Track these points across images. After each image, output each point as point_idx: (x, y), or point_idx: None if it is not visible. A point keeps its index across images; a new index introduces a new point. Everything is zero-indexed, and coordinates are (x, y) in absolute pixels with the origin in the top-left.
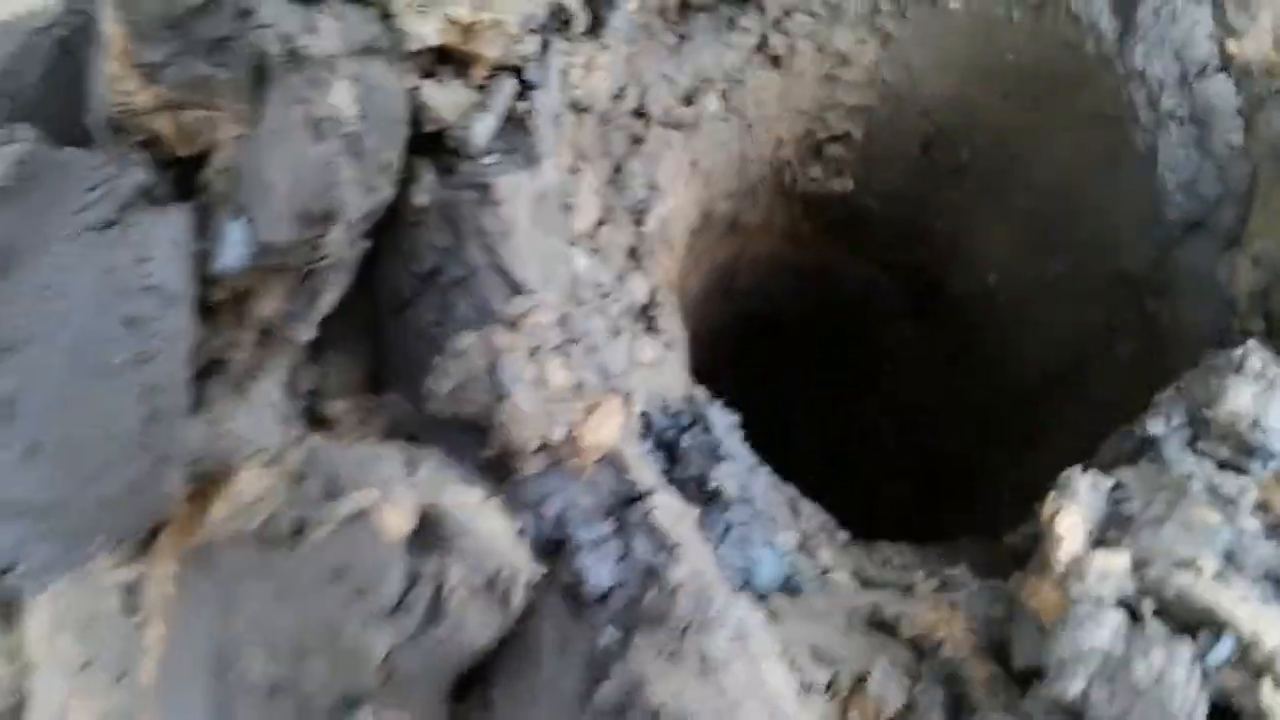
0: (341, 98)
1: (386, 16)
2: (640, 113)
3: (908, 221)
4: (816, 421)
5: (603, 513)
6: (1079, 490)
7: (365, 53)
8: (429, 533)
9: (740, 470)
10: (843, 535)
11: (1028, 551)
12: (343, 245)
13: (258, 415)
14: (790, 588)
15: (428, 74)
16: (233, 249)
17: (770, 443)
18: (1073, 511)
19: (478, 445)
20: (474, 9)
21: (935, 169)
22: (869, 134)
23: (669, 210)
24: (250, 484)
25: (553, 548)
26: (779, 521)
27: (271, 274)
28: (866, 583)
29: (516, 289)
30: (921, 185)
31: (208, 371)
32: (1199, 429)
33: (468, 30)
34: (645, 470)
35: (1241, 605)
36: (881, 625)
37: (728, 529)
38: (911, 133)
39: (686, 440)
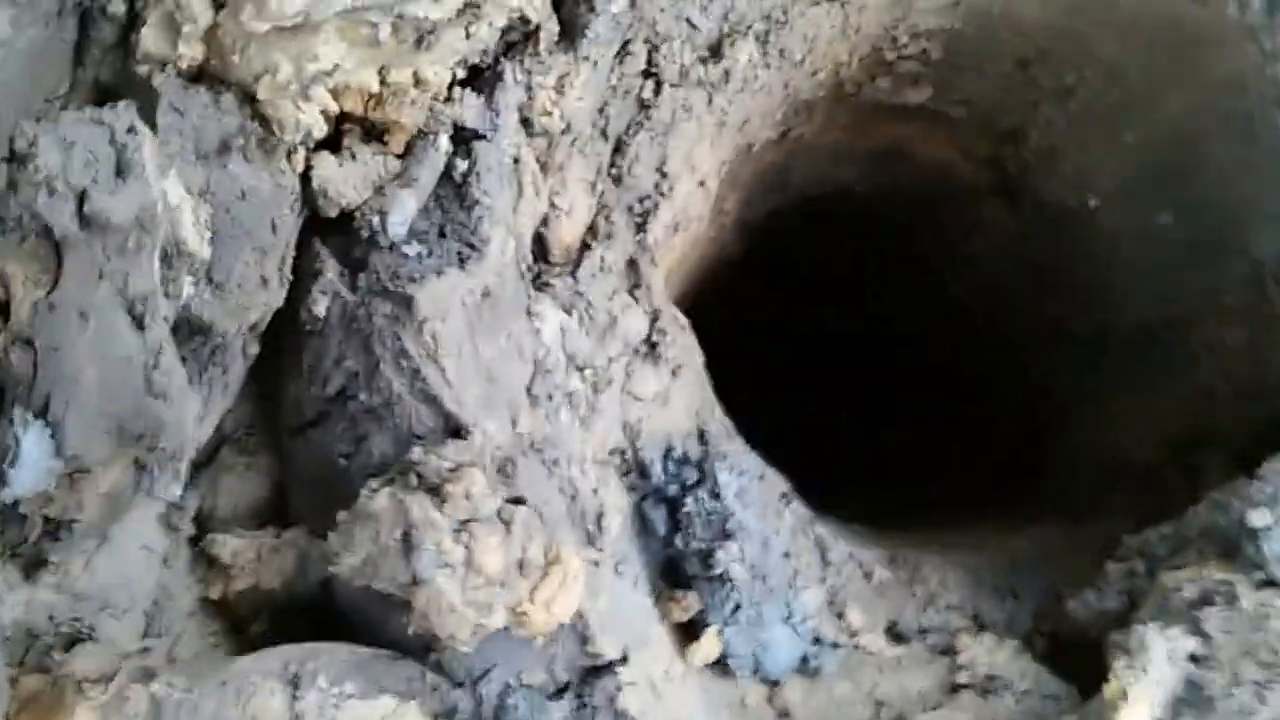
0: (185, 230)
1: (251, 101)
2: (649, 73)
3: (997, 123)
4: (877, 309)
5: (558, 690)
6: (1153, 659)
7: (222, 152)
8: None
9: (754, 540)
10: (881, 573)
11: (1085, 631)
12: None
13: (123, 564)
14: (809, 670)
15: (328, 143)
16: (29, 469)
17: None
18: (1142, 691)
19: (399, 614)
20: (388, 69)
21: (1034, 85)
22: (950, 50)
23: (683, 199)
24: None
25: None
26: (803, 576)
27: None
28: (900, 639)
29: (447, 424)
30: (1017, 98)
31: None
32: None
33: (377, 96)
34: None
35: None
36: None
37: (735, 609)
38: (1005, 52)
39: (690, 503)
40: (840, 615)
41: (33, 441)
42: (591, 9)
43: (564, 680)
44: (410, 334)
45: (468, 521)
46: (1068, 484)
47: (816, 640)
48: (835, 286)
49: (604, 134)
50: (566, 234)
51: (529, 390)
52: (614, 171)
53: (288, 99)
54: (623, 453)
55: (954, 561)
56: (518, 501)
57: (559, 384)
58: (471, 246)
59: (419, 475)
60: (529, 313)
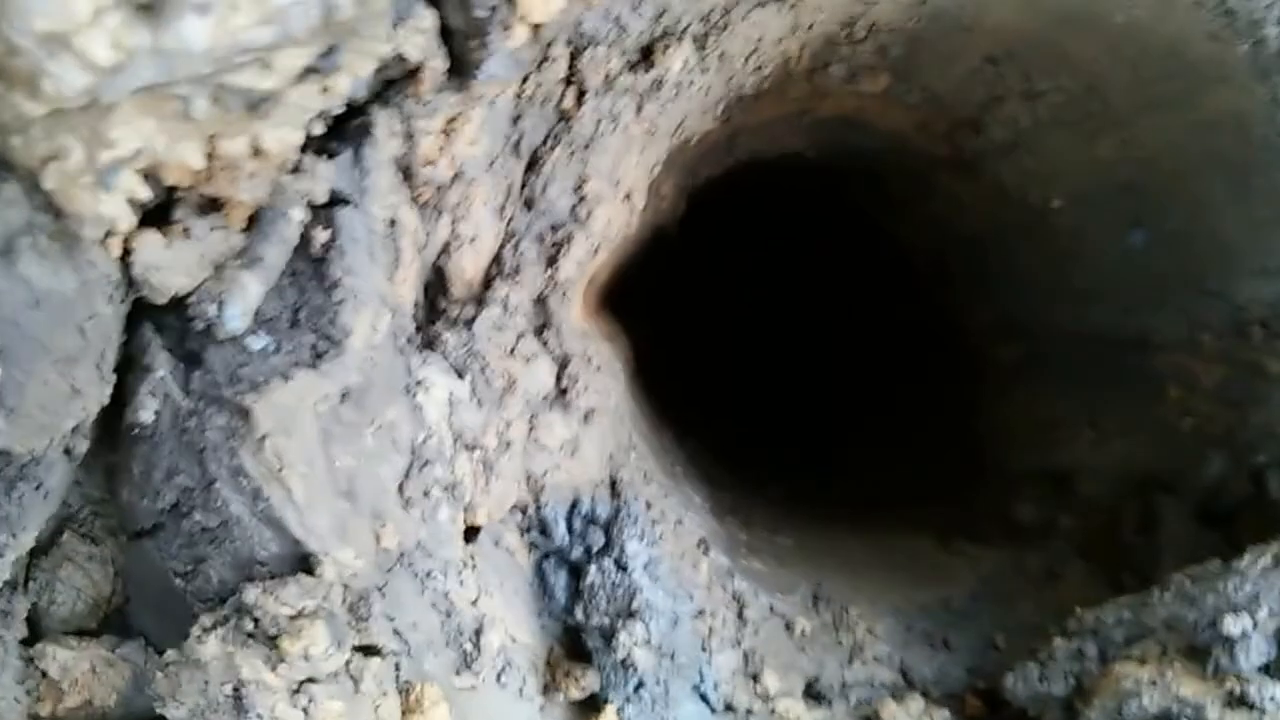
0: None
1: (40, 190)
2: (570, 80)
3: (956, 111)
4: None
5: None
6: None
7: (6, 253)
8: None
9: (662, 618)
10: (803, 623)
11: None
12: None
13: None
14: None
15: (157, 214)
16: None
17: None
18: None
19: None
20: (217, 139)
21: (1000, 83)
22: (911, 47)
23: (603, 223)
24: None
25: None
26: (717, 638)
27: None
28: (819, 699)
29: (294, 551)
30: (979, 92)
31: None
32: None
33: (207, 170)
34: None
35: None
36: None
37: (639, 687)
38: (972, 49)
39: (594, 573)
40: (755, 678)
41: None
42: (484, 45)
43: None
44: (249, 450)
45: (306, 682)
46: (1008, 496)
47: (729, 708)
48: (780, 249)
49: (517, 149)
50: (469, 266)
51: (401, 490)
52: (526, 192)
53: (82, 189)
54: (524, 509)
55: (885, 603)
56: (370, 651)
57: (439, 477)
58: (329, 339)
59: (255, 621)
60: (410, 389)
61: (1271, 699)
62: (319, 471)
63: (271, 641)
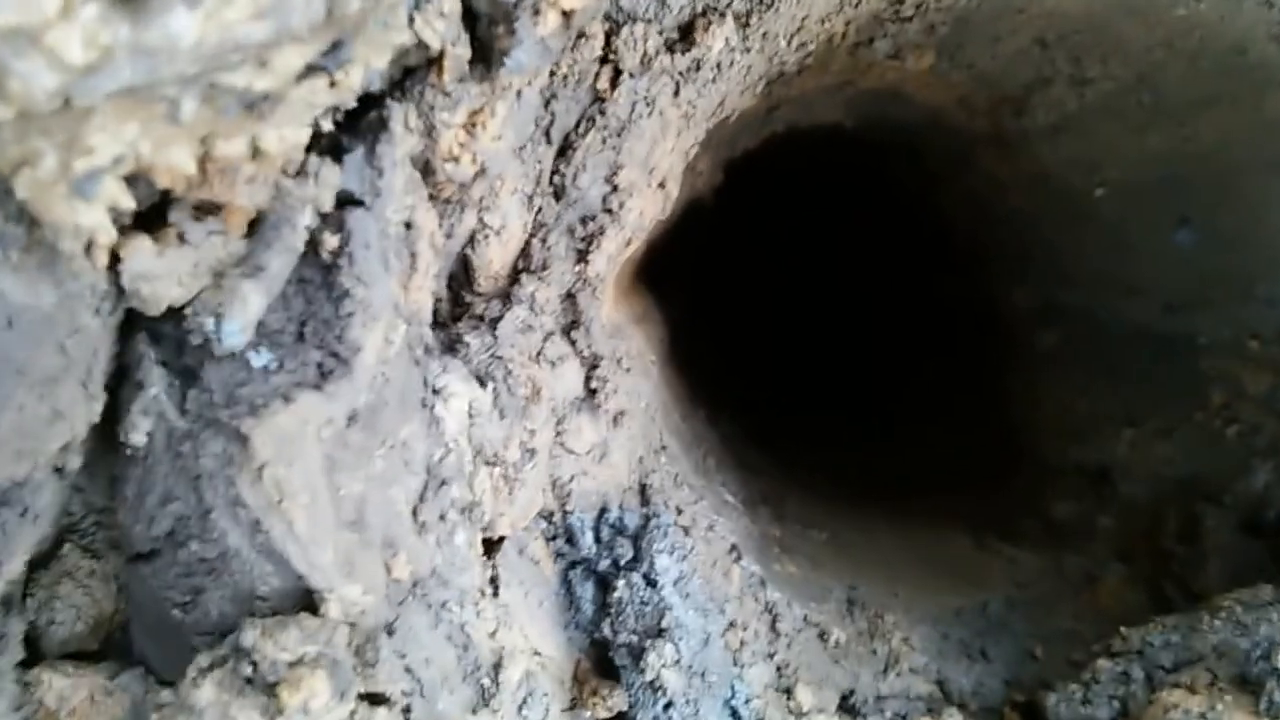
0: None
1: (9, 197)
2: (606, 59)
3: (998, 89)
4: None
5: None
6: None
7: None
8: None
9: (692, 638)
10: (837, 633)
11: None
12: None
13: None
14: None
15: (149, 217)
16: None
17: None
18: None
19: None
20: (211, 141)
21: (1049, 65)
22: (961, 25)
23: (636, 215)
24: None
25: None
26: (749, 650)
27: None
28: (854, 713)
29: (296, 586)
30: (1026, 73)
31: None
32: None
33: (201, 174)
34: None
35: None
36: None
37: (668, 707)
38: (1023, 29)
39: (623, 588)
40: (789, 692)
41: None
42: (512, 31)
43: None
44: (247, 479)
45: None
46: (1045, 491)
47: None
48: (817, 221)
49: (548, 134)
50: (496, 258)
51: (415, 514)
52: (556, 180)
53: (58, 198)
54: (550, 516)
55: (920, 609)
56: (377, 700)
57: (456, 498)
58: (336, 357)
59: (253, 664)
60: (426, 402)
61: None
62: (323, 502)
63: (270, 690)
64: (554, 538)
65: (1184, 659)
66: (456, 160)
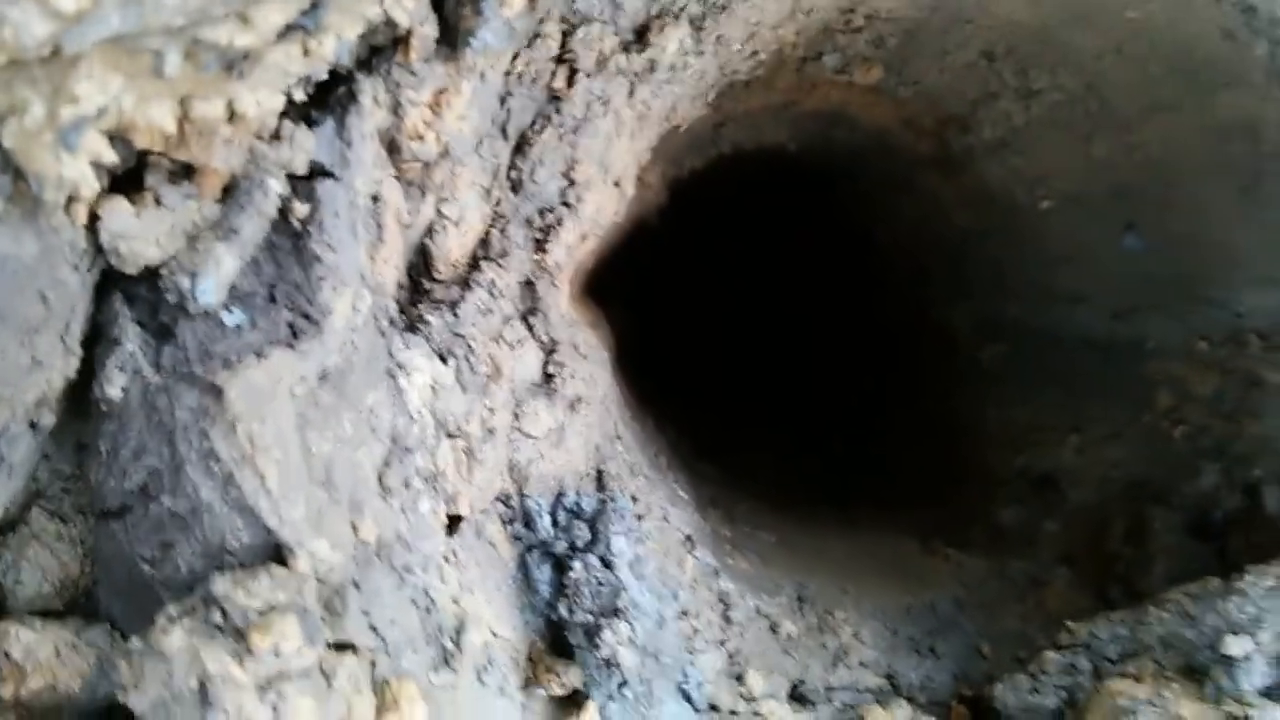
0: None
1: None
2: (562, 59)
3: (944, 107)
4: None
5: None
6: None
7: None
8: None
9: (647, 618)
10: (788, 626)
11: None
12: None
13: None
14: None
15: (126, 181)
16: None
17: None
18: None
19: None
20: (189, 101)
21: (995, 79)
22: (909, 38)
23: (593, 208)
24: None
25: None
26: (701, 638)
27: None
28: (804, 701)
29: (266, 541)
30: (972, 88)
31: None
32: None
33: (179, 134)
34: None
35: None
36: None
37: (621, 685)
38: (971, 42)
39: (579, 569)
40: (739, 679)
41: None
42: (478, 12)
43: None
44: (220, 432)
45: (276, 679)
46: (991, 499)
47: (713, 708)
48: (762, 243)
49: (504, 131)
50: (455, 248)
51: (380, 479)
52: (514, 175)
53: (43, 148)
54: (507, 499)
55: (869, 606)
56: (344, 648)
57: (420, 467)
58: (307, 318)
59: (223, 613)
60: (391, 373)
61: None
62: (294, 458)
63: (240, 635)
64: (511, 521)
65: (1130, 650)
66: (421, 138)
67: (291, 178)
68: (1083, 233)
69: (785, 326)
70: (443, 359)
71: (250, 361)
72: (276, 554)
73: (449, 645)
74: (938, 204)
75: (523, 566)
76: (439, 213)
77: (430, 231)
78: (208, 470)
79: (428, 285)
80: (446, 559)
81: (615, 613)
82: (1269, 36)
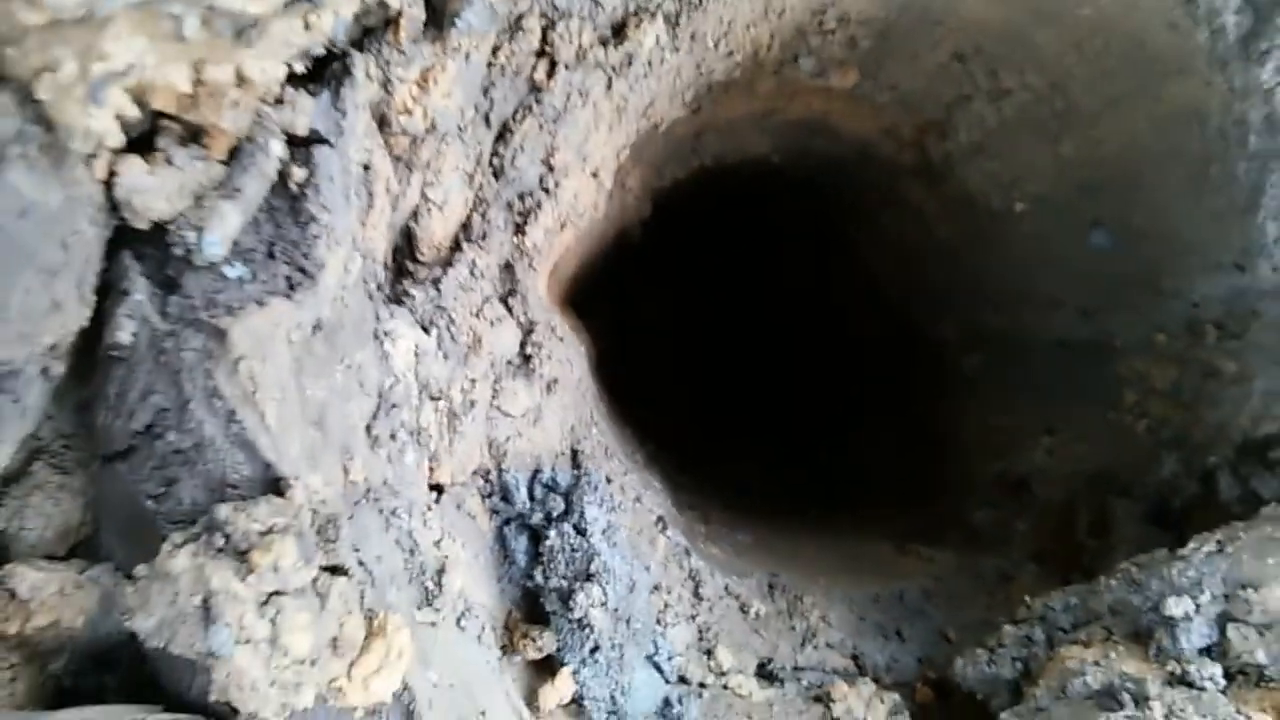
0: None
1: (33, 101)
2: (543, 52)
3: (922, 113)
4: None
5: None
6: None
7: None
8: None
9: (619, 582)
10: (758, 605)
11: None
12: None
13: None
14: (671, 714)
15: (140, 143)
16: None
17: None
18: None
19: (204, 677)
20: (202, 65)
21: (968, 81)
22: (882, 39)
23: (571, 196)
24: None
25: None
26: (672, 612)
27: None
28: (772, 679)
29: (264, 474)
30: (947, 91)
31: None
32: (1235, 608)
33: (190, 97)
34: (450, 698)
35: None
36: None
37: (594, 650)
38: (942, 43)
39: (554, 536)
40: (709, 653)
41: None
42: None
43: None
44: (224, 372)
45: (275, 594)
46: (966, 503)
47: (682, 680)
48: (744, 254)
49: (487, 120)
50: (438, 230)
51: (369, 430)
52: (495, 162)
53: (74, 102)
54: (486, 474)
55: (839, 593)
56: (337, 571)
57: (405, 421)
58: (303, 272)
59: (225, 536)
60: (378, 336)
61: (1211, 679)
62: (291, 399)
63: (241, 555)
64: (490, 495)
65: (1082, 619)
66: (410, 113)
67: (290, 144)
68: (1054, 234)
69: (768, 338)
70: (425, 329)
71: (251, 309)
72: (274, 487)
73: (431, 586)
74: (919, 216)
75: (500, 538)
76: (424, 196)
77: (415, 215)
78: (211, 408)
79: (411, 267)
80: (429, 507)
81: (588, 576)
82: (1209, 25)
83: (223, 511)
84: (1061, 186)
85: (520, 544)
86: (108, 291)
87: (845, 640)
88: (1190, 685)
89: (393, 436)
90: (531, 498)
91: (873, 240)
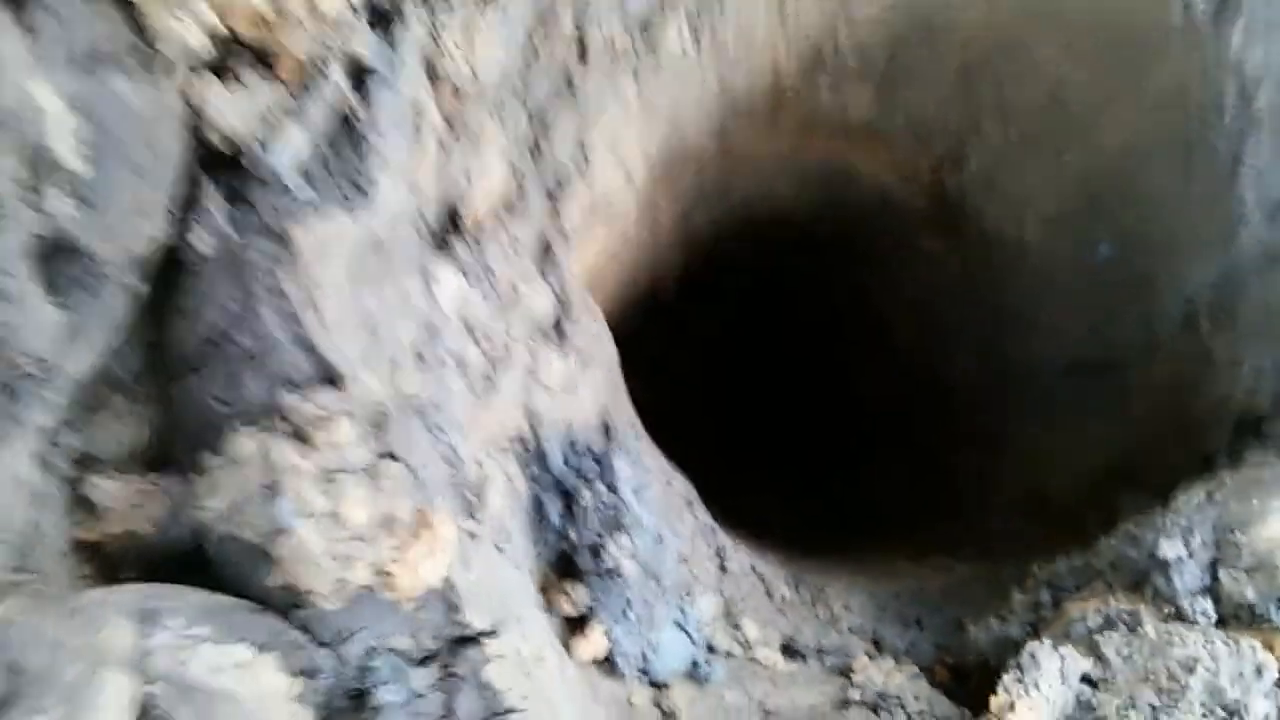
0: (55, 140)
1: (129, 8)
2: (576, 40)
3: (937, 143)
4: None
5: (423, 657)
6: (1044, 674)
7: (98, 63)
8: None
9: (648, 536)
10: (782, 590)
11: (986, 659)
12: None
13: None
14: (699, 676)
15: (214, 69)
16: None
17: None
18: (1030, 704)
19: (265, 567)
20: None
21: (975, 99)
22: (893, 55)
23: (604, 183)
24: None
25: (355, 698)
26: (700, 584)
27: None
28: (795, 655)
29: (322, 371)
30: (958, 114)
31: None
32: (1225, 552)
33: (266, 20)
34: (488, 599)
35: None
36: None
37: (626, 606)
38: (947, 56)
39: (587, 497)
40: (736, 626)
41: None
42: None
43: (430, 648)
44: (288, 274)
45: (334, 471)
46: (986, 518)
47: (710, 649)
48: (770, 308)
49: (524, 104)
50: (479, 204)
51: (417, 353)
52: (532, 143)
53: (166, 8)
54: (524, 440)
55: (860, 588)
56: (392, 457)
57: (451, 349)
58: (359, 189)
59: (288, 421)
60: (425, 275)
61: (1204, 613)
62: (347, 305)
63: (303, 436)
64: (527, 463)
65: (1085, 579)
66: (455, 62)
67: (350, 73)
68: (1061, 257)
69: (786, 379)
70: (467, 280)
71: (314, 219)
72: (331, 383)
73: (472, 499)
74: (937, 263)
75: (536, 503)
76: (465, 168)
77: (458, 183)
78: (276, 309)
79: (452, 239)
80: (470, 428)
81: (618, 527)
82: (1181, 3)
83: (286, 398)
84: (1068, 203)
85: (555, 506)
86: (186, 207)
87: (866, 626)
88: (1183, 619)
89: (440, 362)
90: (566, 462)
91: (886, 286)
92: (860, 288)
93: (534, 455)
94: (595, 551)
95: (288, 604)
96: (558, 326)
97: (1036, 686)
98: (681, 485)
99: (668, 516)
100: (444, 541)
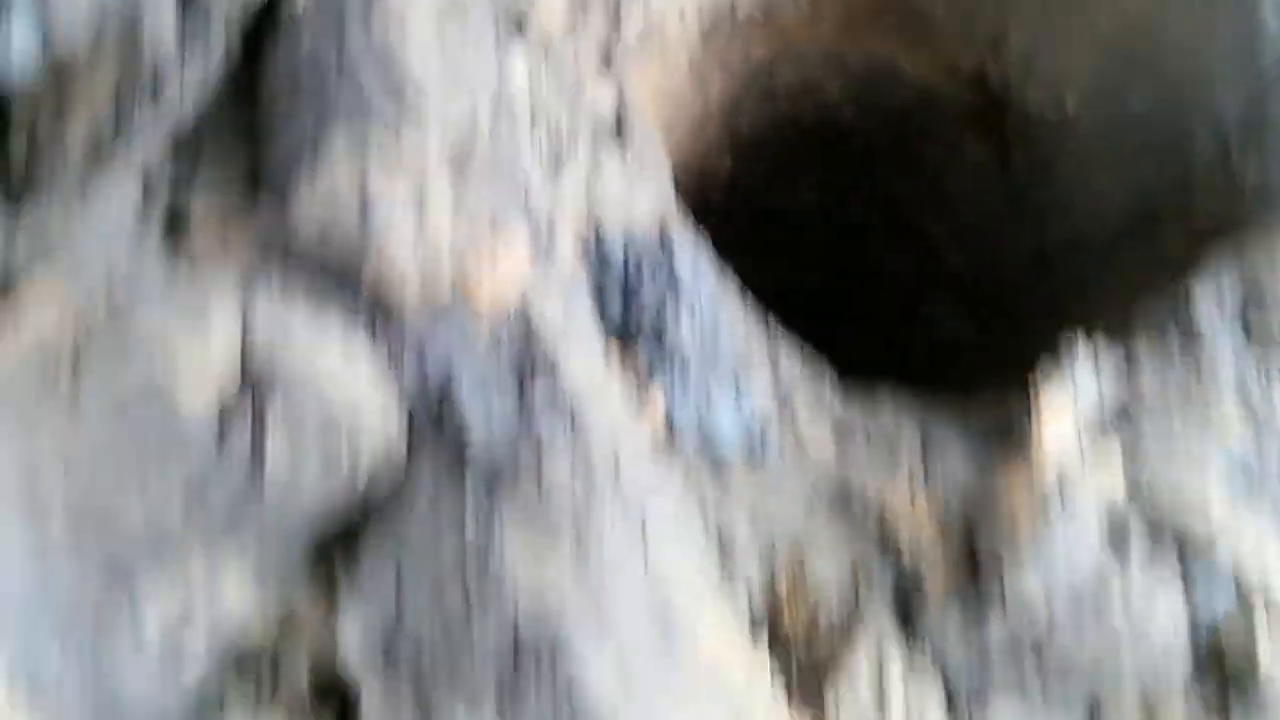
0: None
1: None
2: None
3: (976, 34)
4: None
5: (499, 380)
6: (1076, 363)
7: None
8: (251, 373)
9: (704, 311)
10: (832, 397)
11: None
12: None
13: (97, 224)
14: (753, 453)
15: None
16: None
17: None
18: (1064, 390)
19: (354, 285)
20: None
21: None
22: None
23: (657, 5)
24: (40, 314)
25: (437, 407)
26: (755, 374)
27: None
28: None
29: (406, 84)
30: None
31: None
32: (1253, 300)
33: None
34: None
35: (1249, 538)
36: (847, 506)
37: (684, 370)
38: None
39: (646, 288)
40: (791, 417)
41: (19, 22)
42: None
43: (509, 372)
44: (379, 10)
45: (421, 185)
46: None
47: (763, 429)
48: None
49: None
50: (543, 11)
51: (493, 111)
52: None
53: None
54: (584, 240)
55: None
56: (472, 182)
57: (521, 119)
58: None
59: (377, 145)
60: (499, 45)
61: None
62: (432, 45)
63: (390, 157)
64: (587, 254)
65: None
66: None
67: None
68: (1101, 127)
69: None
70: (537, 64)
71: None
72: (418, 112)
73: (544, 240)
74: (979, 170)
75: (598, 290)
76: None
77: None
78: (367, 44)
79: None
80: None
81: (675, 297)
82: None
83: (375, 125)
84: (1102, 66)
85: (615, 303)
86: None
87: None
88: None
89: (514, 129)
90: (626, 259)
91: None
92: (901, 200)
93: (595, 254)
94: (652, 319)
95: (371, 323)
96: (619, 129)
97: (1071, 369)
98: (734, 285)
99: (727, 307)
100: (522, 258)
